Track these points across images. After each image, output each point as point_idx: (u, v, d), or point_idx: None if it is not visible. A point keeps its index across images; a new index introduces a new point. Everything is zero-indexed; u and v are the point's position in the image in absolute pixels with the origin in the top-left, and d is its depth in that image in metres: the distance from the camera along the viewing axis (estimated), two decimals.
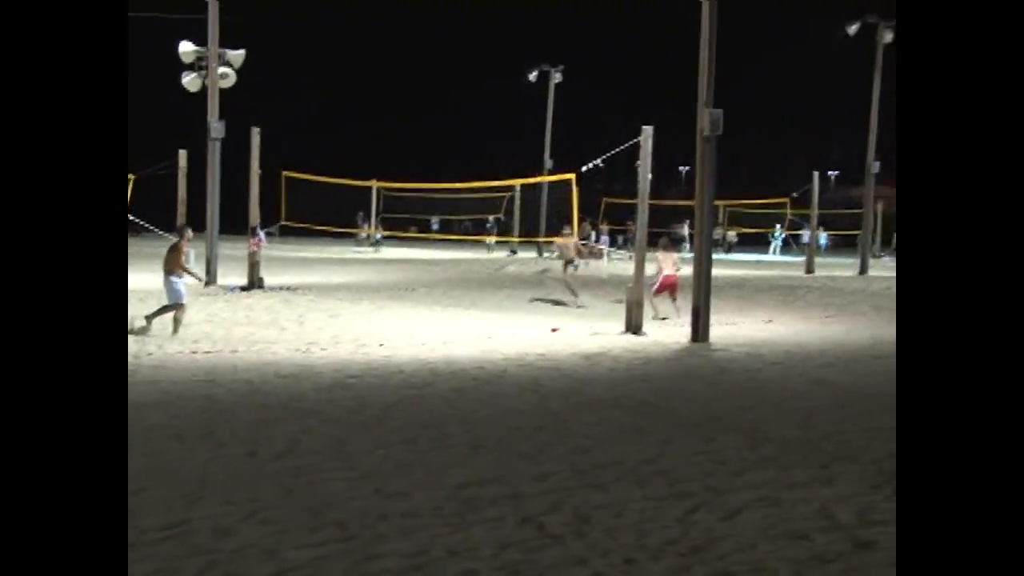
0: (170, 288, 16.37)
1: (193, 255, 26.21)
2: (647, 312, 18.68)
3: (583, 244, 39.01)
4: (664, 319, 19.25)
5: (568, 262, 23.55)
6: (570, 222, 25.15)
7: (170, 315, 16.25)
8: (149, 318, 16.03)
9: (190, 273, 17.08)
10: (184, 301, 16.41)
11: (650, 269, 19.36)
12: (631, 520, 6.68)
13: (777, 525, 6.59)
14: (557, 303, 22.84)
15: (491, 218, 46.46)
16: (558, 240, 24.22)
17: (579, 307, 21.81)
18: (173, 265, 16.43)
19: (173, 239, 19.57)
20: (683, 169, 79.67)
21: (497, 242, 45.42)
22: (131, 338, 15.16)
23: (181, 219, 27.32)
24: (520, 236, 41.89)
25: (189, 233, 17.46)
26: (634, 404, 10.97)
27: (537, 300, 23.45)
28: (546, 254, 40.89)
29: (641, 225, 18.51)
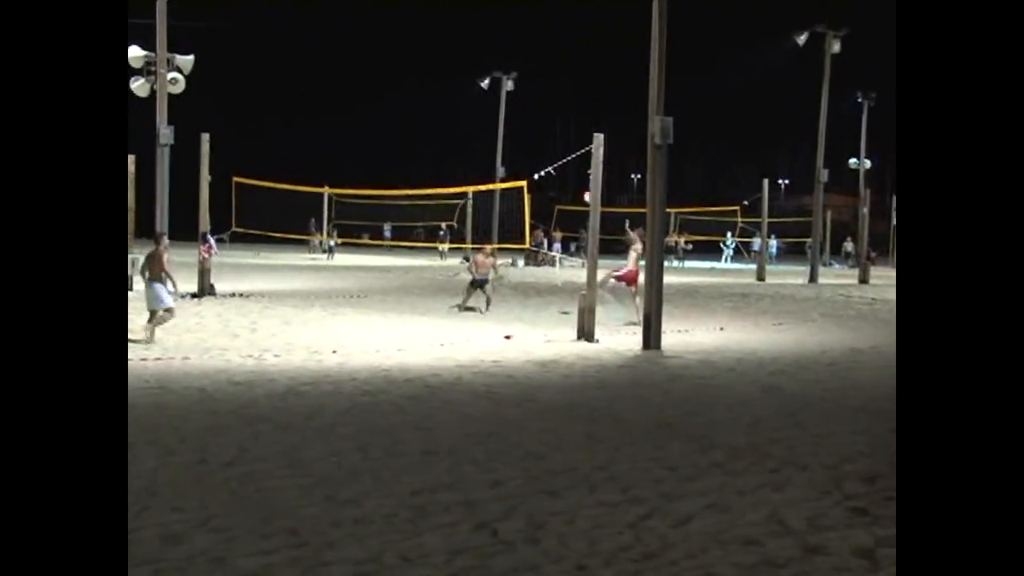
0: (152, 294, 16.43)
1: (141, 261, 25.98)
2: (601, 298, 18.79)
3: (534, 251, 39.15)
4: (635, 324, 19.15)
5: (478, 282, 22.65)
6: (490, 240, 25.00)
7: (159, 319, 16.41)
8: (148, 331, 16.16)
9: (171, 279, 16.89)
10: (169, 304, 16.43)
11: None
12: (584, 526, 6.70)
13: (728, 531, 6.64)
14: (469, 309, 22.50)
15: (443, 225, 46.44)
16: (477, 257, 23.57)
17: (459, 310, 21.75)
18: (157, 271, 16.49)
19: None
20: (635, 176, 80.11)
21: (450, 249, 45.39)
22: None
23: (130, 226, 27.07)
24: (473, 243, 41.91)
25: (166, 240, 17.57)
26: (587, 411, 11.01)
27: (455, 307, 22.85)
28: (500, 262, 40.76)
29: (593, 232, 18.60)
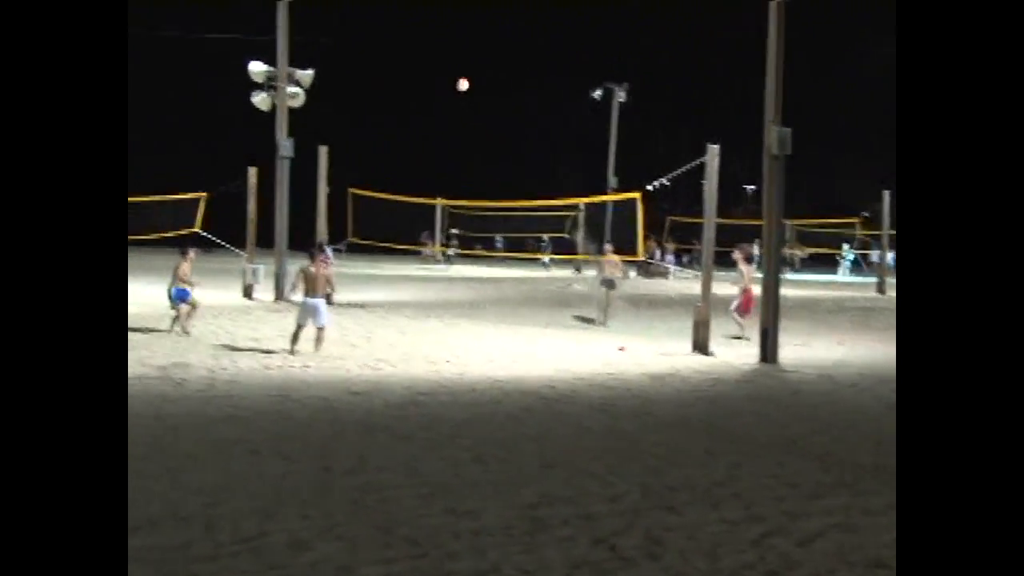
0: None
1: (262, 271, 26.62)
2: (736, 330, 18.84)
3: (646, 262, 38.89)
4: (737, 338, 19.11)
5: (608, 282, 23.06)
6: (612, 241, 25.05)
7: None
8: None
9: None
10: (323, 323, 16.67)
11: (724, 286, 19.33)
12: (705, 543, 6.62)
13: (856, 552, 6.49)
14: (585, 320, 22.67)
15: (545, 237, 46.52)
16: (601, 259, 23.97)
17: (601, 325, 21.78)
18: (313, 287, 16.91)
19: (242, 255, 20.83)
20: (749, 188, 79.06)
21: (551, 260, 45.40)
22: (208, 354, 15.47)
23: (251, 236, 27.76)
24: (585, 255, 41.83)
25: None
26: (704, 425, 10.90)
27: (578, 318, 23.14)
28: (585, 271, 40.63)
29: (707, 243, 18.42)
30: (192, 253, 19.15)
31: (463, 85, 25.18)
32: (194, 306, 18.54)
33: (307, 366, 14.76)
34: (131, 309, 18.32)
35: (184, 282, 18.51)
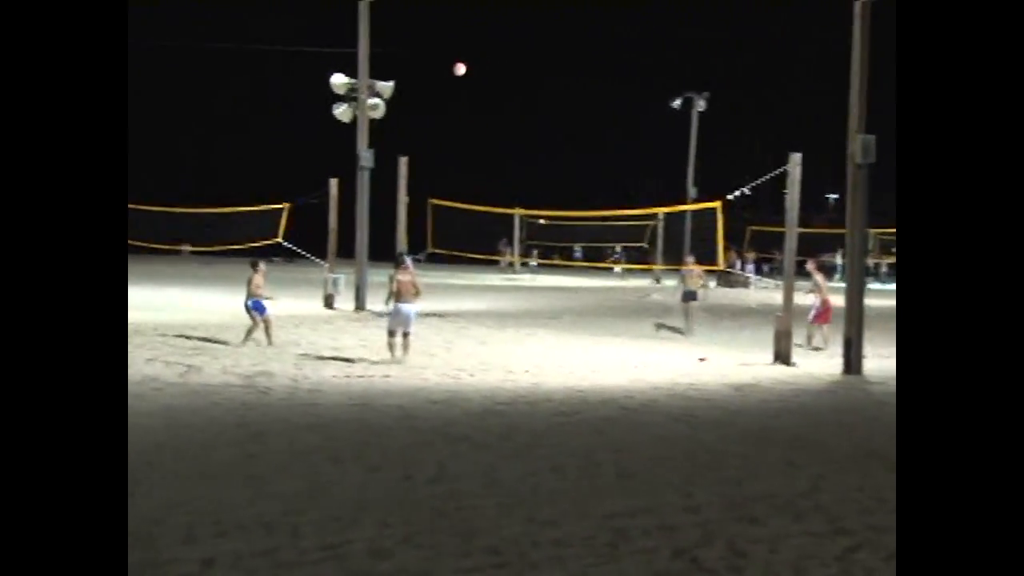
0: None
1: (343, 281, 26.93)
2: (808, 341, 18.64)
3: (726, 272, 38.54)
4: (817, 349, 18.91)
5: (690, 294, 22.96)
6: (693, 253, 24.92)
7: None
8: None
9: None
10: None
11: (802, 296, 19.09)
12: (788, 556, 6.54)
13: None
14: (672, 329, 22.57)
15: (618, 247, 46.41)
16: (683, 269, 23.94)
17: (689, 335, 21.70)
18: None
19: (323, 265, 21.20)
20: (831, 197, 77.95)
21: (625, 269, 45.24)
22: (291, 363, 15.71)
23: (332, 246, 28.11)
24: (663, 264, 41.59)
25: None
26: (786, 437, 10.76)
27: (663, 327, 23.05)
28: (665, 281, 40.41)
29: (789, 253, 18.20)
30: (263, 265, 19.34)
31: (460, 70, 25.08)
32: (265, 320, 18.61)
33: (387, 376, 14.88)
34: (213, 319, 18.75)
35: (258, 294, 18.73)
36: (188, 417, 11.10)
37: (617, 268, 45.93)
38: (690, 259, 24.14)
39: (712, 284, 39.99)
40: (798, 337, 18.46)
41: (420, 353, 17.71)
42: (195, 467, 8.68)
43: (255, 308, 18.67)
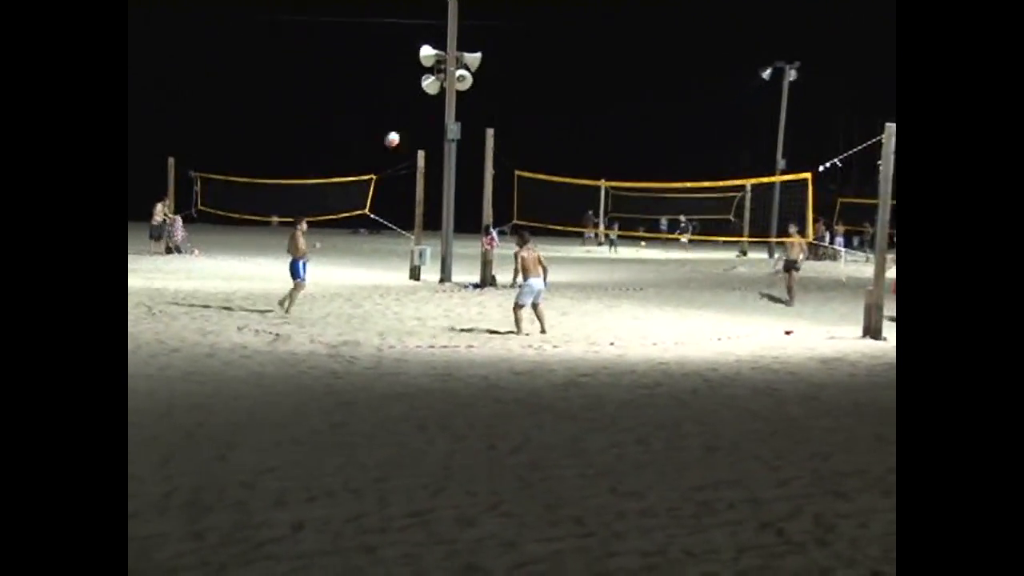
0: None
1: (429, 253, 27.13)
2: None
3: (815, 244, 37.98)
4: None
5: (792, 263, 23.10)
6: (797, 223, 24.60)
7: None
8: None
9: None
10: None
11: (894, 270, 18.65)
12: (877, 531, 6.46)
13: None
14: (774, 300, 22.61)
15: (683, 218, 46.00)
16: (785, 240, 23.95)
17: (789, 306, 21.78)
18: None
19: (409, 236, 21.53)
20: None
21: (690, 240, 44.83)
22: (376, 332, 15.91)
23: (419, 218, 28.31)
24: (751, 236, 41.12)
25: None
26: (876, 411, 10.60)
27: (766, 297, 23.13)
28: (776, 255, 40.02)
29: (882, 225, 17.85)
30: (304, 224, 19.13)
31: (393, 139, 25.29)
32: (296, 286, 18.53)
33: (471, 346, 14.98)
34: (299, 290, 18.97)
35: (301, 254, 18.53)
36: (278, 384, 11.31)
37: (684, 239, 45.56)
38: (793, 229, 23.91)
39: (801, 257, 39.57)
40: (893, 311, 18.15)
41: (504, 324, 17.82)
42: (286, 433, 8.86)
43: (296, 271, 18.50)
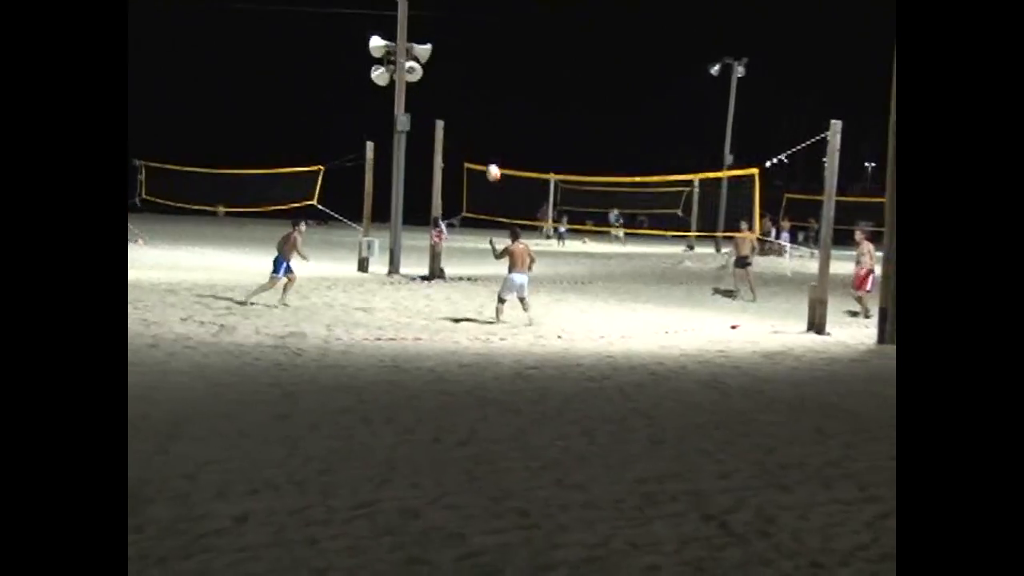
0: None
1: (377, 245, 27.00)
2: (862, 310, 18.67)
3: (761, 240, 38.33)
4: (856, 315, 18.95)
5: (743, 260, 23.25)
6: (747, 218, 24.82)
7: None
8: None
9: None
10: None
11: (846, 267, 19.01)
12: (817, 523, 6.54)
13: None
14: (726, 295, 22.81)
15: (615, 212, 46.37)
16: (736, 236, 24.15)
17: (752, 302, 21.92)
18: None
19: (357, 228, 21.56)
20: (869, 165, 77.15)
21: (626, 234, 45.20)
22: (323, 324, 15.81)
23: (367, 210, 28.18)
24: (697, 232, 41.40)
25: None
26: (818, 405, 10.73)
27: (720, 293, 23.33)
28: (724, 251, 40.37)
29: (827, 221, 18.05)
30: (303, 226, 19.46)
31: (494, 173, 25.37)
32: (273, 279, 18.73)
33: (419, 338, 14.95)
34: (246, 279, 18.89)
35: (293, 254, 18.74)
36: (222, 376, 11.21)
37: (618, 232, 45.89)
38: (743, 226, 24.11)
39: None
40: (840, 307, 18.39)
41: (450, 316, 17.81)
42: (229, 425, 8.78)
43: (278, 267, 18.63)
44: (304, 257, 19.16)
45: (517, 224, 20.12)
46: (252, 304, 17.80)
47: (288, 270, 18.67)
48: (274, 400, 9.99)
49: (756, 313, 19.92)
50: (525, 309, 17.24)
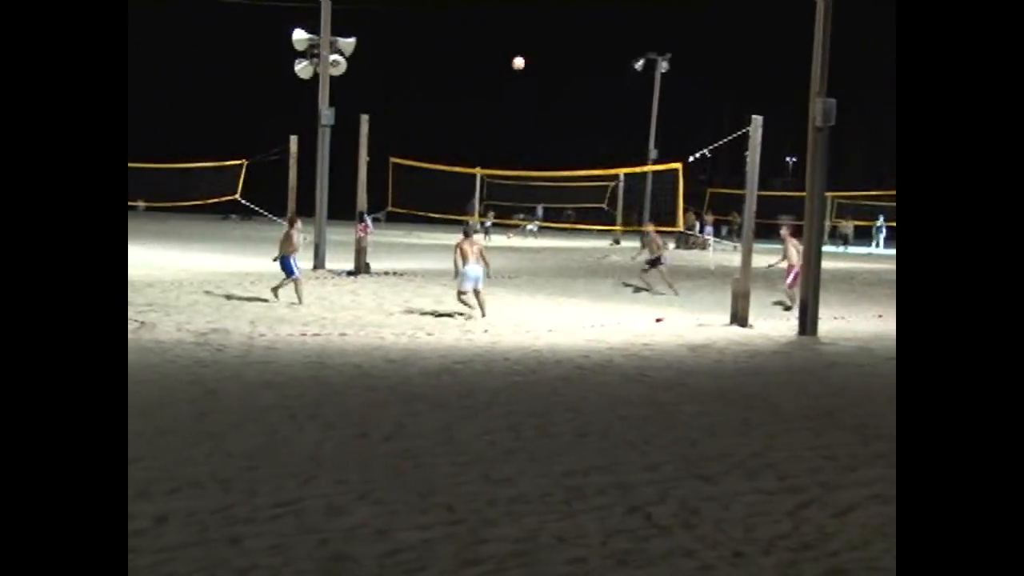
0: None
1: (302, 239, 26.72)
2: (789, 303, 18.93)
3: (685, 233, 38.74)
4: (788, 308, 19.22)
5: (655, 261, 23.29)
6: (653, 219, 25.24)
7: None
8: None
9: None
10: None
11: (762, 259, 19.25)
12: (740, 513, 6.62)
13: (891, 523, 6.44)
14: (640, 289, 22.92)
15: (540, 206, 46.85)
16: (642, 230, 24.52)
17: (676, 295, 22.11)
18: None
19: (281, 223, 21.86)
20: (790, 159, 78.31)
21: (540, 227, 45.55)
22: (246, 320, 15.62)
23: (291, 204, 27.91)
24: (624, 226, 41.68)
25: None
26: (741, 396, 10.87)
27: (631, 287, 23.41)
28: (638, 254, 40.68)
29: (748, 215, 18.28)
30: (299, 223, 19.69)
31: (519, 63, 24.97)
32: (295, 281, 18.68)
33: (345, 334, 14.84)
34: (167, 275, 18.61)
35: (289, 251, 18.74)
36: (141, 373, 11.01)
37: (530, 226, 46.19)
38: (650, 226, 24.25)
39: (671, 246, 40.34)
40: (762, 299, 18.62)
41: (378, 312, 17.72)
42: (149, 424, 8.63)
43: (285, 266, 18.60)
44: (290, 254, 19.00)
45: (441, 218, 20.24)
46: (295, 304, 18.01)
47: (294, 266, 18.62)
48: (196, 398, 9.85)
49: (681, 306, 20.11)
50: (480, 302, 17.43)
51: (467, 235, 18.31)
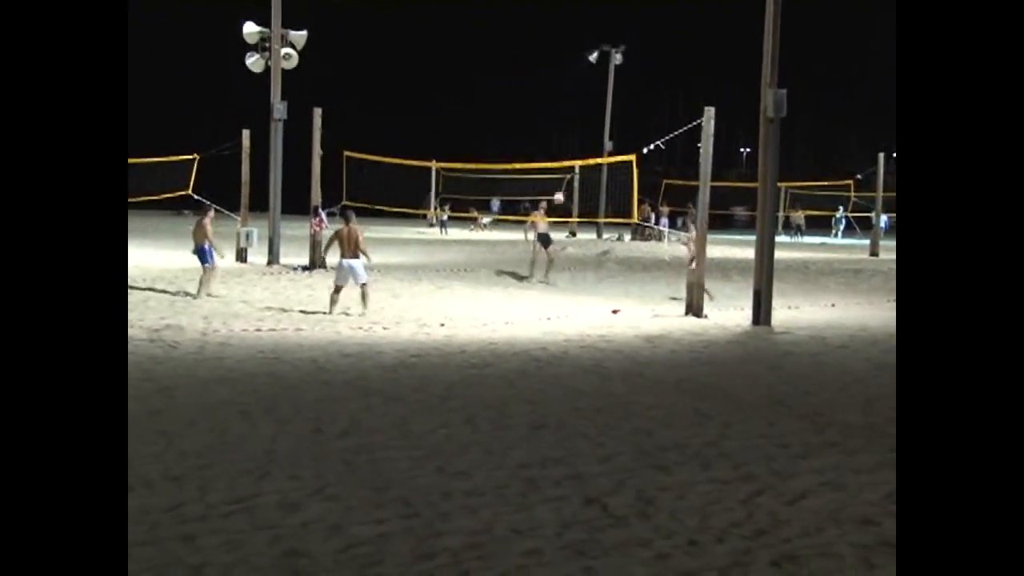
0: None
1: (256, 235, 26.54)
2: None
3: (641, 225, 38.88)
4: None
5: (543, 237, 23.84)
6: (547, 203, 25.84)
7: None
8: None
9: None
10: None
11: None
12: (695, 502, 6.66)
13: (844, 509, 6.53)
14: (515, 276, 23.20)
15: (496, 199, 47.16)
16: (533, 218, 24.92)
17: (541, 282, 22.64)
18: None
19: (234, 218, 23.72)
20: (744, 151, 78.86)
21: (495, 220, 45.71)
22: (200, 316, 15.48)
23: (244, 199, 27.70)
24: (580, 217, 41.77)
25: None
26: (696, 387, 10.93)
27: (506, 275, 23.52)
28: (605, 236, 40.95)
29: (702, 206, 18.37)
30: (212, 212, 19.67)
31: (559, 198, 26.36)
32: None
33: (300, 329, 14.75)
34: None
35: (208, 241, 18.66)
36: None
37: (485, 220, 46.27)
38: (542, 208, 25.15)
39: (627, 237, 40.49)
40: (721, 289, 18.72)
41: (327, 306, 17.60)
42: None
43: (202, 255, 18.49)
44: (219, 251, 19.06)
45: (396, 212, 20.10)
46: (211, 296, 17.95)
47: (211, 255, 18.52)
48: (148, 395, 9.75)
49: (637, 297, 20.19)
50: (362, 298, 16.64)
51: (347, 221, 17.24)
